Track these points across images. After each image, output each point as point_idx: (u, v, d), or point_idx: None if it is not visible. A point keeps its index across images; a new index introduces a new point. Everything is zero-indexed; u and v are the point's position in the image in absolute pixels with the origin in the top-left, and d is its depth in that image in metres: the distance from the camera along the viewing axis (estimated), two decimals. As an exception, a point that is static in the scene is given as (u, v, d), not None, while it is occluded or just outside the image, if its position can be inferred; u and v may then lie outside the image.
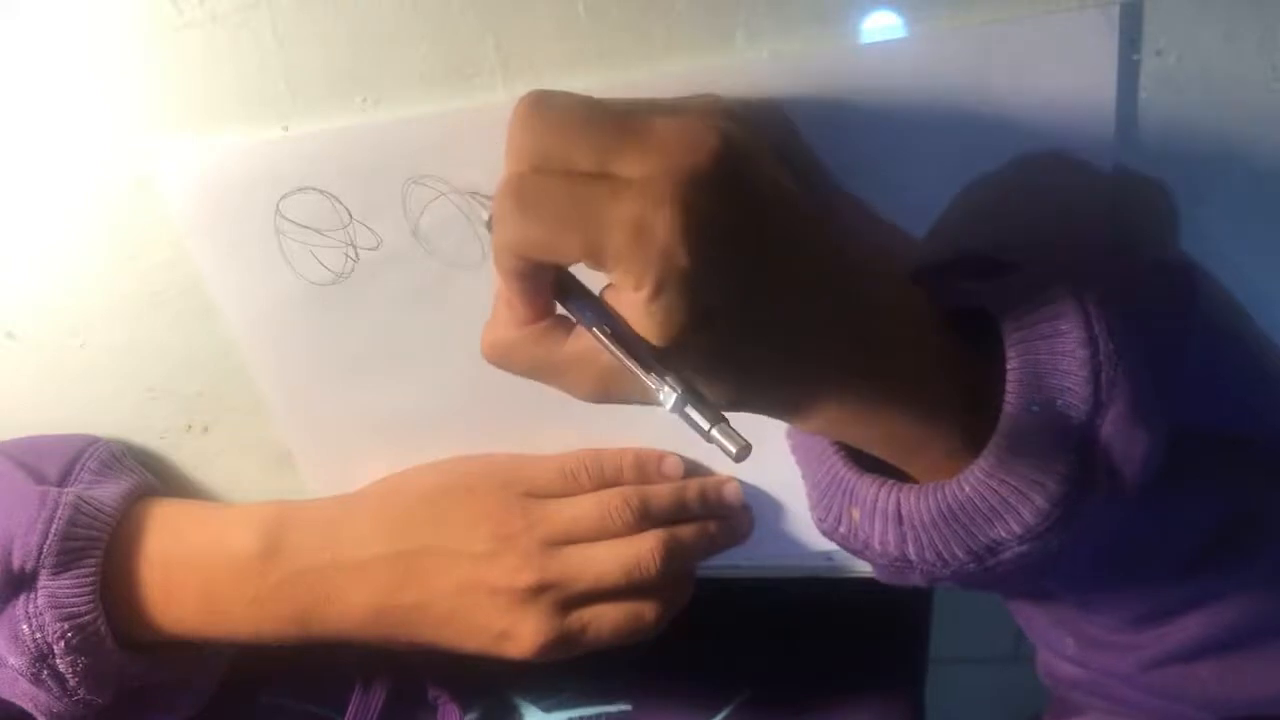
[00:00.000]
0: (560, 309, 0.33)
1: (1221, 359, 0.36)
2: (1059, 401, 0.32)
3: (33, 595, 0.42)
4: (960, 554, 0.34)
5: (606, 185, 0.29)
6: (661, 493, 0.44)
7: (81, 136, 0.40)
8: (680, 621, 0.45)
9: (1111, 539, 0.35)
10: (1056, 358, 0.32)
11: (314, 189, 0.40)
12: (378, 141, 0.38)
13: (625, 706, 0.52)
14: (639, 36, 0.36)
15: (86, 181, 0.41)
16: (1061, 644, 0.41)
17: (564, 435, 0.45)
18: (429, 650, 0.45)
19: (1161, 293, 0.35)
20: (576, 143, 0.30)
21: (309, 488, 0.48)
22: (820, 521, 0.38)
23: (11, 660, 0.43)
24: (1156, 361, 0.33)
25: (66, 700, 0.44)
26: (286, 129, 0.39)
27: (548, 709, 0.52)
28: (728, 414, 0.31)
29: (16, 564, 0.42)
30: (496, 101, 0.37)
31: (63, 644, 0.42)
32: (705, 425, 0.30)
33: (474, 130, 0.37)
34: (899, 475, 0.36)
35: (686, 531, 0.44)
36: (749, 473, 0.45)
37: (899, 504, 0.35)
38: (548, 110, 0.30)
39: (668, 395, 0.30)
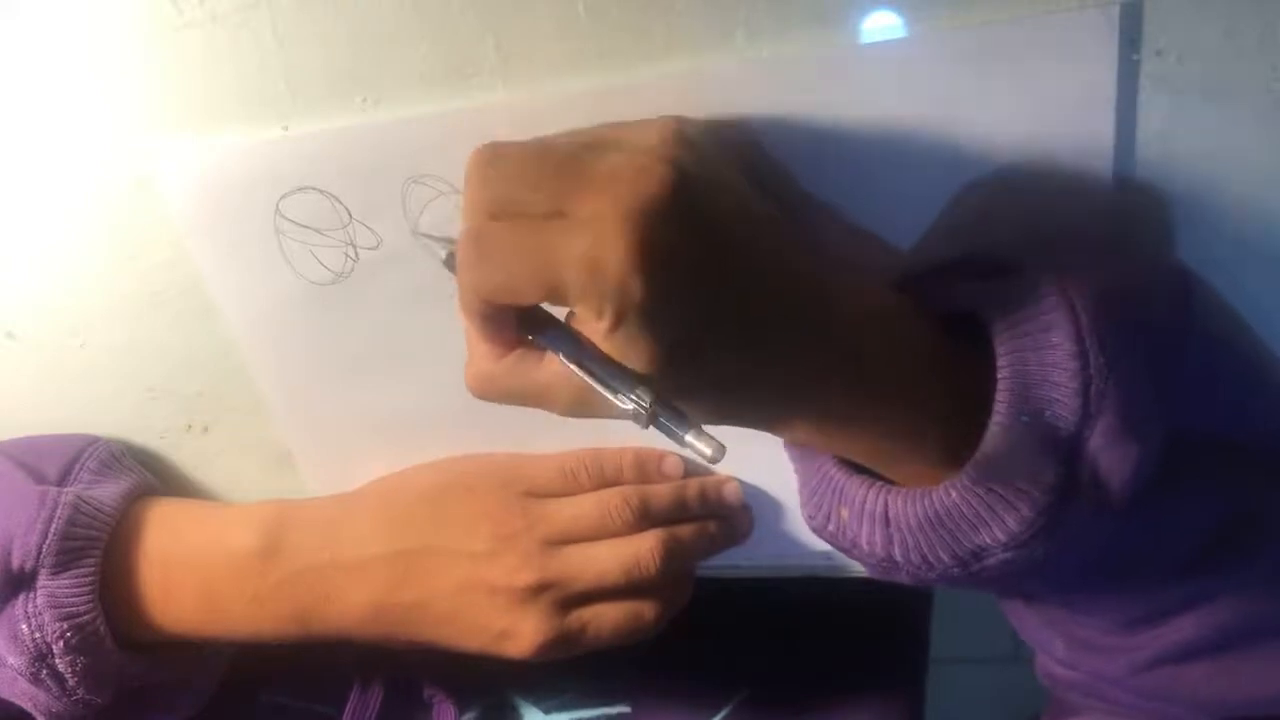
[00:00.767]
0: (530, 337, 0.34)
1: (1217, 363, 0.36)
2: (1048, 412, 0.32)
3: (32, 595, 0.42)
4: (945, 558, 0.34)
5: (560, 226, 0.30)
6: (661, 492, 0.44)
7: (81, 136, 0.40)
8: (679, 621, 0.45)
9: (1103, 545, 0.35)
10: (1046, 369, 0.32)
11: (314, 189, 0.40)
12: (378, 141, 0.38)
13: (625, 708, 0.52)
14: (639, 36, 0.36)
15: (86, 181, 0.41)
16: (1051, 646, 0.41)
17: (564, 435, 0.45)
18: (428, 649, 0.45)
19: (1156, 298, 0.35)
20: (529, 187, 0.31)
21: (309, 488, 0.48)
22: (810, 519, 0.38)
23: (11, 660, 0.43)
24: (1150, 367, 0.33)
25: (66, 700, 0.44)
26: (286, 129, 0.39)
27: (548, 710, 0.52)
28: (712, 426, 0.32)
29: (16, 564, 0.42)
30: (496, 101, 0.37)
31: (62, 644, 0.42)
32: (679, 433, 0.31)
33: (474, 130, 0.37)
34: (889, 477, 0.36)
35: (686, 531, 0.44)
36: (749, 473, 0.45)
37: (887, 506, 0.35)
38: (499, 160, 0.31)
39: (638, 414, 0.31)
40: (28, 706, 0.44)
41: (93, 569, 0.43)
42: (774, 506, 0.46)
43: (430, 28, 0.36)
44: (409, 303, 0.42)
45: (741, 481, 0.46)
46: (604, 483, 0.45)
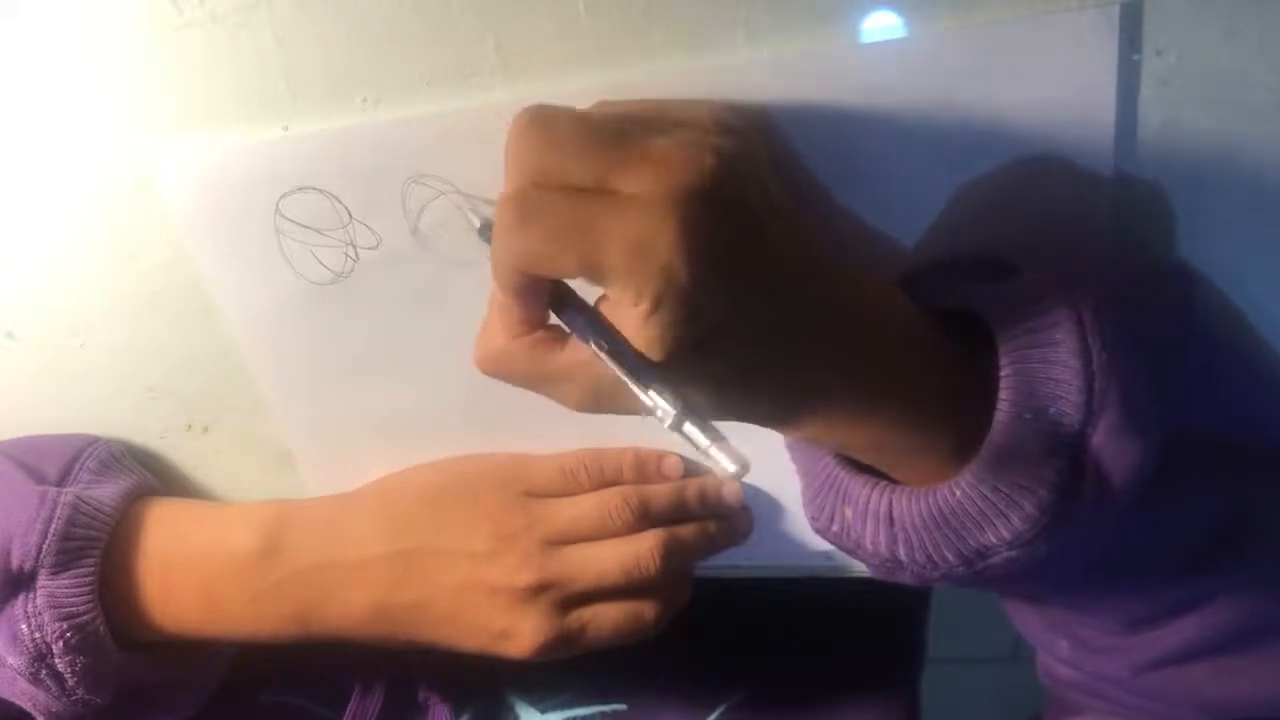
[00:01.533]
0: (555, 319, 0.34)
1: (1218, 362, 0.36)
2: (1051, 410, 0.32)
3: (31, 595, 0.42)
4: (950, 557, 0.34)
5: (607, 201, 0.29)
6: (661, 492, 0.44)
7: (81, 136, 0.40)
8: (677, 620, 0.45)
9: (1106, 544, 0.35)
10: (1050, 366, 0.32)
11: (314, 189, 0.40)
12: (378, 141, 0.38)
13: (620, 706, 0.52)
14: (639, 36, 0.36)
15: (86, 181, 0.41)
16: (1055, 646, 0.41)
17: (564, 435, 0.45)
18: (428, 649, 0.45)
19: (1158, 298, 0.35)
20: (576, 158, 0.30)
21: (309, 488, 0.48)
22: (814, 520, 0.38)
23: (10, 660, 0.43)
24: (1152, 367, 0.33)
25: (65, 700, 0.44)
26: (286, 129, 0.39)
27: (544, 709, 0.52)
28: (721, 422, 0.31)
29: (15, 564, 0.42)
30: (496, 101, 0.37)
31: (61, 644, 0.42)
32: (704, 442, 0.30)
33: (474, 130, 0.37)
34: (893, 476, 0.36)
35: (686, 531, 0.44)
36: (749, 473, 0.45)
37: (891, 506, 0.35)
38: (547, 125, 0.31)
39: (665, 413, 0.30)
40: (27, 706, 0.44)
41: (92, 569, 0.43)
42: (774, 506, 0.46)
43: (430, 28, 0.36)
44: (409, 303, 0.42)
45: (741, 482, 0.46)
46: (604, 483, 0.45)
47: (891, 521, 0.35)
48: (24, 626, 0.42)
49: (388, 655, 0.47)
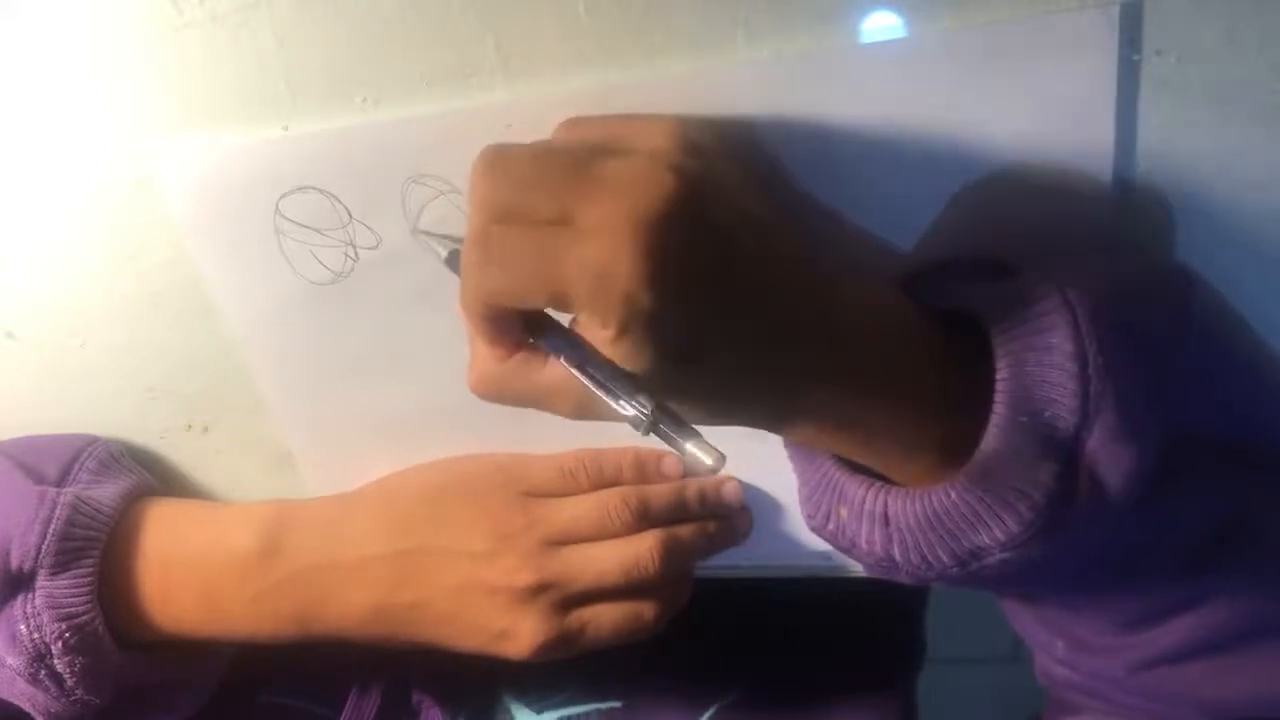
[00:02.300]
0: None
1: (1216, 364, 0.36)
2: (1047, 412, 0.32)
3: (31, 595, 0.42)
4: (944, 558, 0.34)
5: (568, 233, 0.30)
6: (661, 493, 0.44)
7: (81, 136, 0.40)
8: (676, 620, 0.45)
9: (1102, 545, 0.35)
10: (1045, 369, 0.32)
11: (314, 189, 0.40)
12: (378, 141, 0.38)
13: (616, 704, 0.52)
14: (639, 36, 0.36)
15: (86, 181, 0.41)
16: (1052, 646, 0.41)
17: (563, 435, 0.45)
18: (427, 649, 0.45)
19: (1156, 298, 0.35)
20: (536, 192, 0.30)
21: (309, 488, 0.48)
22: (809, 518, 0.38)
23: (9, 660, 0.43)
24: (1149, 368, 0.33)
25: (64, 700, 0.44)
26: (286, 129, 0.39)
27: (539, 711, 0.52)
28: (711, 427, 0.32)
29: (15, 564, 0.42)
30: (496, 101, 0.37)
31: (60, 644, 0.42)
32: (679, 441, 0.31)
33: (474, 130, 0.37)
34: (889, 477, 0.36)
35: (685, 531, 0.44)
36: (749, 473, 0.45)
37: (886, 506, 0.35)
38: (506, 163, 0.31)
39: (638, 421, 0.31)
40: (26, 707, 0.44)
41: (91, 569, 0.43)
42: (774, 506, 0.46)
43: (430, 28, 0.36)
44: (409, 303, 0.42)
45: (741, 481, 0.46)
46: (603, 483, 0.45)
47: (886, 522, 0.35)
48: (23, 627, 0.42)
49: (385, 656, 0.47)
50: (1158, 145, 0.35)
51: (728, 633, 0.53)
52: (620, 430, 0.45)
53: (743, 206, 0.32)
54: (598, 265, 0.29)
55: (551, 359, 0.34)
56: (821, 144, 0.36)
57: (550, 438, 0.45)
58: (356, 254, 0.41)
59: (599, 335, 0.30)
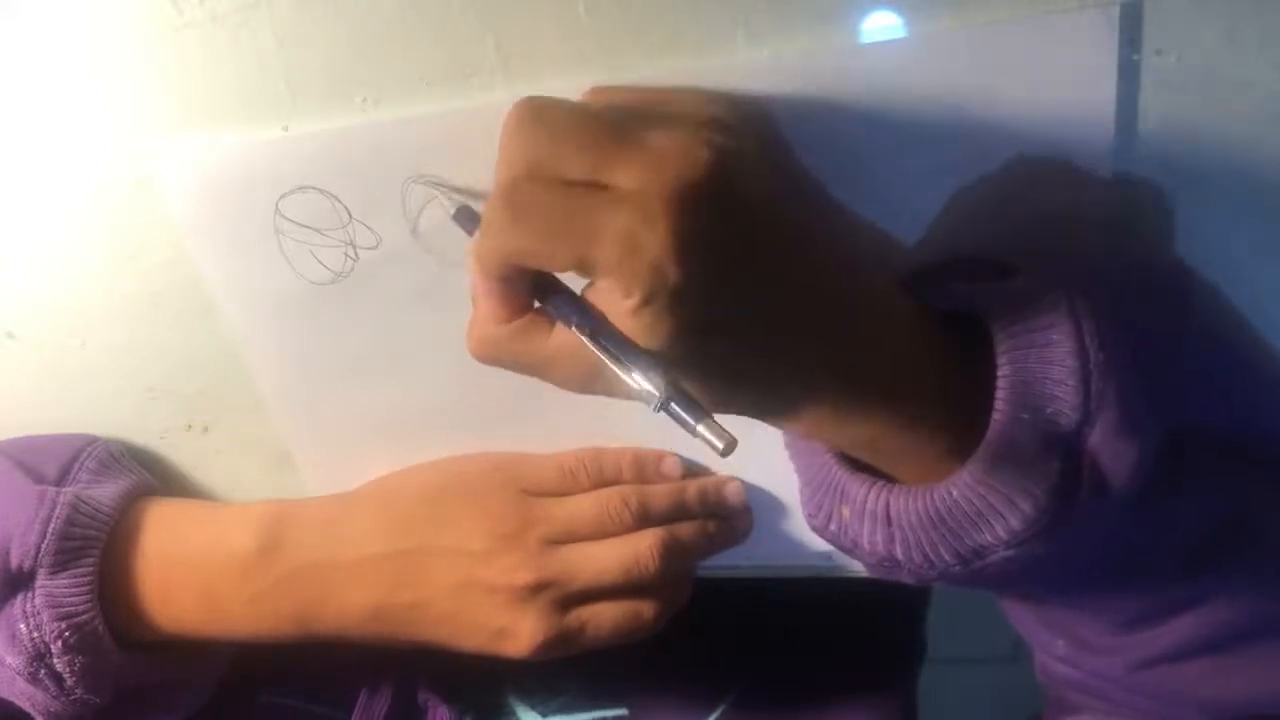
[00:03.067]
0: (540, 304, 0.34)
1: (1216, 362, 0.36)
2: (1048, 410, 0.32)
3: (30, 595, 0.42)
4: (947, 557, 0.34)
5: (599, 196, 0.29)
6: (660, 492, 0.44)
7: (81, 136, 0.40)
8: (677, 620, 0.45)
9: (1104, 544, 0.35)
10: (1047, 367, 0.32)
11: (314, 188, 0.40)
12: (378, 141, 0.38)
13: (622, 710, 0.52)
14: (639, 36, 0.36)
15: (86, 181, 0.41)
16: (1052, 645, 0.41)
17: (563, 434, 0.45)
18: (428, 649, 0.45)
19: (1156, 296, 0.35)
20: (569, 151, 0.30)
21: (309, 487, 0.48)
22: (811, 518, 0.38)
23: (9, 660, 0.43)
24: (1150, 365, 0.33)
25: (64, 700, 0.44)
26: (286, 129, 0.39)
27: (545, 713, 0.52)
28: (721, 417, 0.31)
29: (14, 563, 0.42)
30: (496, 101, 0.37)
31: (60, 643, 0.42)
32: (691, 421, 0.30)
33: (474, 130, 0.37)
34: (890, 476, 0.36)
35: (685, 531, 0.44)
36: (749, 473, 0.45)
37: (888, 505, 0.35)
38: (542, 117, 0.31)
39: (650, 396, 0.30)
40: (26, 706, 0.44)
41: (91, 569, 0.43)
42: (774, 506, 0.46)
43: (430, 28, 0.36)
44: (409, 303, 0.42)
45: (741, 481, 0.46)
46: (603, 482, 0.45)
47: (889, 520, 0.35)
48: (23, 626, 0.42)
49: (392, 656, 0.47)
50: (1157, 144, 0.35)
51: (728, 634, 0.53)
52: (620, 429, 0.45)
53: (771, 187, 0.32)
54: (629, 232, 0.28)
55: (558, 327, 0.33)
56: (821, 144, 0.36)
57: (550, 437, 0.45)
58: (356, 254, 0.41)
59: (618, 305, 0.30)
